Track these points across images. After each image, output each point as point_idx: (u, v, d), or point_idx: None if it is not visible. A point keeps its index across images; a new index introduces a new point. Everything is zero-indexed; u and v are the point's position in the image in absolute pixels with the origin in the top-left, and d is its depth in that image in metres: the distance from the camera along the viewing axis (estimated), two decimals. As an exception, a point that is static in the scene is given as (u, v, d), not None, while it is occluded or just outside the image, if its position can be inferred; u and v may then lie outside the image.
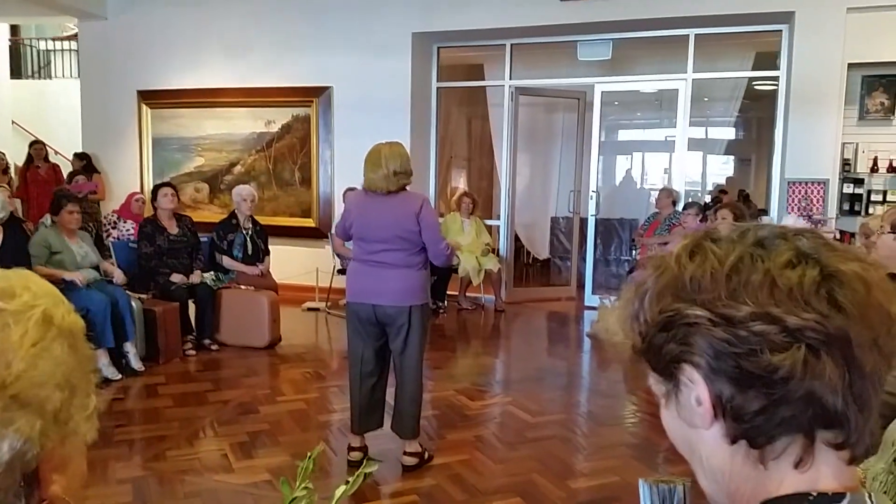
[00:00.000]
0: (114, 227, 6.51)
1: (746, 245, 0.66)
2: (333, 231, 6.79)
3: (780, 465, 0.65)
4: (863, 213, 6.24)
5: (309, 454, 1.07)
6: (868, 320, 0.63)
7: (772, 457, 0.65)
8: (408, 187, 3.43)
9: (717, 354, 0.64)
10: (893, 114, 6.18)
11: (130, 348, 4.92)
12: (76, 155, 8.10)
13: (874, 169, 6.20)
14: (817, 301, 0.62)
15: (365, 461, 1.20)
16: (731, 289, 0.64)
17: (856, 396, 0.63)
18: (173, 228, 5.69)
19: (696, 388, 0.66)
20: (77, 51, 8.99)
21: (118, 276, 5.24)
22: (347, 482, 1.07)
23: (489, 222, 7.87)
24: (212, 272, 5.82)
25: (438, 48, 7.65)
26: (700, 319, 0.64)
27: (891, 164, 6.14)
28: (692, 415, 0.68)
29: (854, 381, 0.62)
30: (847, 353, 0.62)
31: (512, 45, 7.37)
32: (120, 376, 4.76)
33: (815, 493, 0.64)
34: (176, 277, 5.52)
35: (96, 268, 5.12)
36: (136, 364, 4.92)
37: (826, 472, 0.65)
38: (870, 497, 0.66)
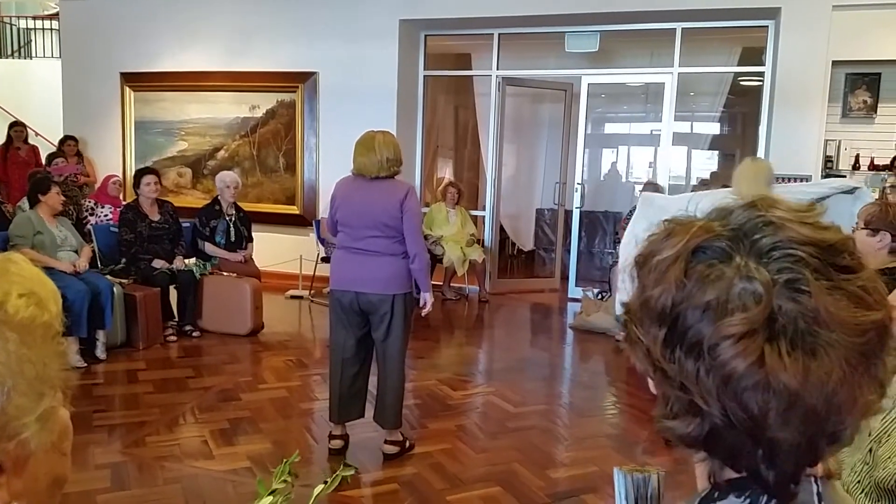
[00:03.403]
0: (91, 214, 6.43)
1: (721, 286, 0.60)
2: (322, 220, 6.77)
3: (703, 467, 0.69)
4: (844, 209, 6.31)
5: (285, 459, 1.07)
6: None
7: (695, 459, 0.69)
8: (397, 177, 3.44)
9: (647, 372, 0.67)
10: (875, 112, 6.25)
11: (101, 336, 4.85)
12: (69, 137, 7.91)
13: (856, 166, 6.27)
14: (737, 395, 0.60)
15: (343, 466, 1.21)
16: (670, 333, 0.63)
17: (767, 455, 0.62)
18: (155, 215, 5.63)
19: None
20: (58, 30, 8.84)
21: (81, 264, 4.95)
22: (326, 482, 1.07)
23: (474, 213, 7.87)
24: (195, 259, 5.77)
25: (426, 36, 7.60)
26: (640, 344, 0.66)
27: (872, 161, 6.21)
28: None
29: (765, 449, 0.62)
30: (755, 435, 0.61)
31: (500, 34, 7.35)
32: (85, 365, 4.67)
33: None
34: (158, 263, 5.47)
35: (77, 252, 5.06)
36: (100, 353, 4.84)
37: None
38: (815, 481, 0.67)
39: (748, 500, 0.65)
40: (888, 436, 1.57)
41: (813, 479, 0.67)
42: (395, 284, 3.35)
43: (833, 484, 0.70)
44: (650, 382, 0.69)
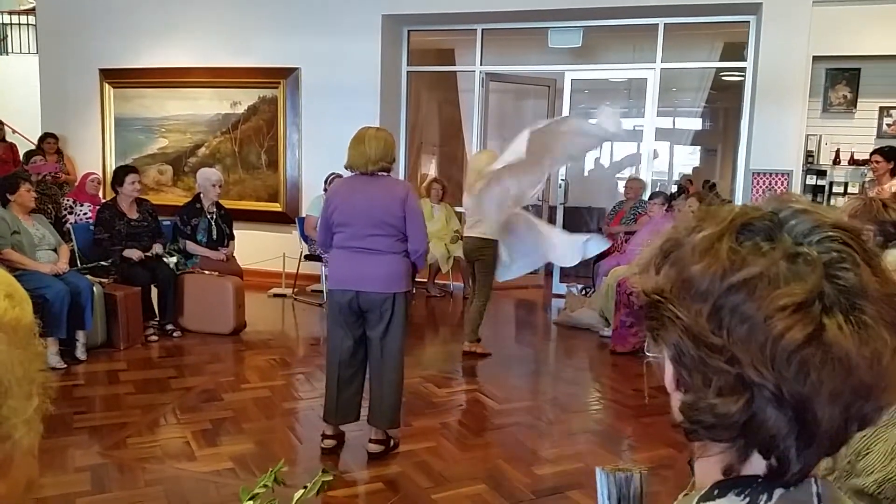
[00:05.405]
0: (70, 212, 6.33)
1: (773, 259, 0.61)
2: (307, 217, 6.72)
3: (710, 463, 0.68)
4: (825, 204, 6.36)
5: (271, 469, 1.06)
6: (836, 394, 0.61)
7: (706, 454, 0.68)
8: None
9: (679, 357, 0.65)
10: (855, 107, 6.30)
11: (81, 337, 4.77)
12: (48, 135, 7.77)
13: (836, 161, 6.32)
14: (794, 364, 0.59)
15: (321, 472, 1.19)
16: (718, 306, 0.62)
17: (803, 439, 0.62)
18: (133, 213, 5.56)
19: (663, 359, 0.69)
20: (35, 25, 8.70)
21: (60, 266, 4.87)
22: (305, 487, 1.06)
23: (459, 209, 7.83)
24: (172, 250, 5.71)
25: (409, 31, 7.57)
26: (678, 322, 0.65)
27: (852, 156, 6.26)
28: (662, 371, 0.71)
29: (803, 431, 0.62)
30: (801, 413, 0.61)
31: (483, 30, 7.33)
32: (65, 366, 4.59)
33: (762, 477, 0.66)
34: (132, 253, 5.35)
35: (55, 250, 4.98)
36: (80, 353, 4.76)
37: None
38: (815, 481, 0.67)
39: (747, 499, 0.65)
40: (867, 450, 1.60)
41: (813, 480, 0.66)
42: (396, 283, 3.35)
43: (831, 484, 0.69)
44: (667, 372, 0.68)
